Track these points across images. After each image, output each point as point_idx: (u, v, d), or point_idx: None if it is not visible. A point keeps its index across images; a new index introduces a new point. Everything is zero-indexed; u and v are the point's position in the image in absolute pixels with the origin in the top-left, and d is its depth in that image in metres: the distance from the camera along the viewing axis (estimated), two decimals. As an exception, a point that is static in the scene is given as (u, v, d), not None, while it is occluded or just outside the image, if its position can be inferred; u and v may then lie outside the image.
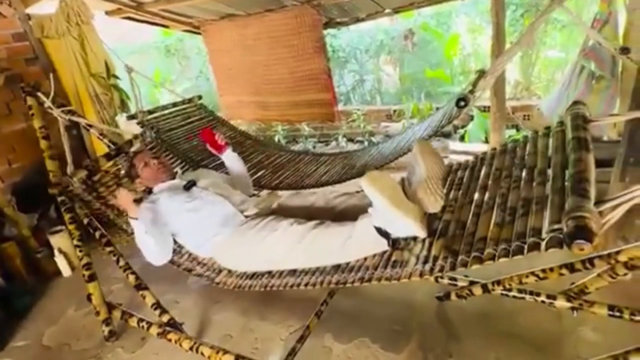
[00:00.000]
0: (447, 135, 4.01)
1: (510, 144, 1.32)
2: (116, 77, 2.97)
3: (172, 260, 1.68)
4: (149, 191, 1.85)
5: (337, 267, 1.28)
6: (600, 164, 0.96)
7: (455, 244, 1.03)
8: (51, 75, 2.13)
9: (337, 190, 1.66)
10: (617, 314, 1.42)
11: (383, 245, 1.20)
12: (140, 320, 1.87)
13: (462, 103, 1.43)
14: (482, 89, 1.58)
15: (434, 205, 1.18)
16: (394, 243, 1.21)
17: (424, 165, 1.26)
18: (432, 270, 1.02)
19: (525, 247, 0.86)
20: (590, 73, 2.72)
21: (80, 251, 1.98)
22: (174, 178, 1.83)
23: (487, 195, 1.15)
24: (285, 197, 1.74)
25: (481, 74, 1.71)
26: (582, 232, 0.72)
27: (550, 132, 1.23)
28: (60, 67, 3.11)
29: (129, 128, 3.06)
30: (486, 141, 3.61)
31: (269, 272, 1.46)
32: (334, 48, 4.57)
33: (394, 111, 4.31)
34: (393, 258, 1.17)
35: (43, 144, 2.12)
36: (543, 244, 0.83)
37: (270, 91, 3.80)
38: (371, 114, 4.47)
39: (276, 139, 4.75)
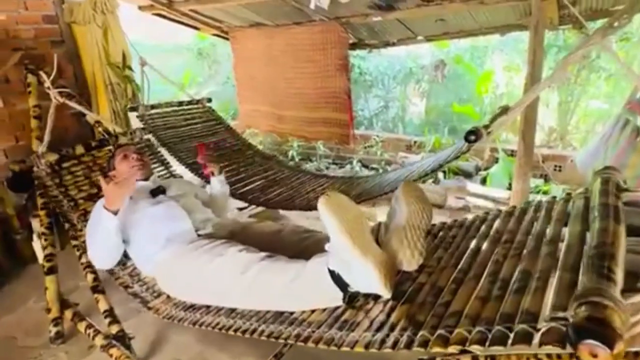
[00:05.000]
0: (468, 176, 3.74)
1: (521, 207, 1.10)
2: (130, 68, 2.93)
3: (112, 271, 1.53)
4: None
5: (278, 315, 1.06)
6: (637, 231, 0.73)
7: (422, 314, 0.80)
8: (55, 56, 2.09)
9: (309, 226, 1.46)
10: None
11: (337, 298, 0.97)
12: (89, 326, 1.70)
13: (472, 137, 1.21)
14: (500, 126, 1.36)
15: (409, 261, 0.95)
16: (351, 299, 0.97)
17: (406, 210, 1.04)
18: (382, 342, 0.79)
19: (511, 335, 0.62)
20: (634, 128, 2.43)
21: (45, 240, 1.86)
22: (147, 179, 1.68)
23: (477, 259, 0.91)
24: (251, 222, 1.57)
25: (504, 109, 1.49)
26: (598, 327, 0.49)
27: (570, 198, 1.00)
28: (83, 53, 3.12)
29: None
30: (509, 188, 3.32)
31: (207, 307, 1.27)
32: (361, 70, 4.45)
33: (415, 142, 4.10)
34: (344, 317, 0.94)
35: (33, 123, 2.07)
36: (537, 335, 0.60)
37: (288, 104, 3.70)
38: (391, 142, 4.28)
39: (290, 154, 4.63)
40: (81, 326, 1.72)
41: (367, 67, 4.57)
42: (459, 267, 0.93)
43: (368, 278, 0.90)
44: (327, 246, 0.99)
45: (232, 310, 1.19)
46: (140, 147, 2.11)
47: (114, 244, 1.43)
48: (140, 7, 3.54)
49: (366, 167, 4.29)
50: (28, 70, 2.09)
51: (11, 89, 2.86)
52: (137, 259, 1.50)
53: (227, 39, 3.95)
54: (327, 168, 4.47)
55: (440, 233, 1.20)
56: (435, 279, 0.92)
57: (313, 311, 1.03)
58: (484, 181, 3.54)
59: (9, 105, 2.81)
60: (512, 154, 3.46)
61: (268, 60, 3.67)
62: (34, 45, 3.04)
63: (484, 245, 0.98)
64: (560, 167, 3.48)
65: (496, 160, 3.60)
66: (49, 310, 1.82)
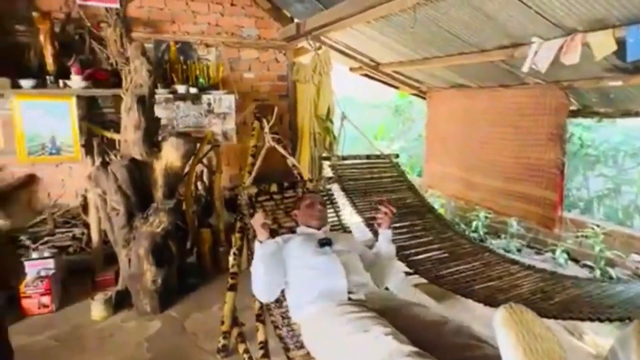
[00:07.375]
0: None
1: None
2: (331, 121, 3.26)
3: (269, 307, 1.57)
4: (292, 231, 1.85)
5: None
6: None
7: None
8: (275, 108, 2.52)
9: (482, 331, 1.15)
10: None
11: None
12: (246, 351, 1.83)
13: None
14: None
15: None
16: None
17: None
18: None
19: None
20: None
21: (234, 259, 2.14)
22: (319, 229, 1.75)
23: None
24: (408, 303, 1.37)
25: None
26: None
27: None
28: (299, 106, 3.72)
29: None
30: None
31: None
32: (583, 142, 3.62)
33: (659, 244, 2.98)
34: None
35: (249, 159, 2.50)
36: None
37: (481, 171, 3.34)
38: (618, 237, 3.25)
39: (474, 224, 4.12)
40: (240, 348, 1.87)
41: (592, 138, 3.71)
42: None
43: None
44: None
45: None
46: (324, 195, 2.23)
47: (263, 271, 1.49)
48: (350, 69, 3.99)
49: (576, 261, 3.37)
50: (256, 118, 2.57)
51: (246, 130, 3.62)
52: (290, 302, 1.55)
53: (424, 98, 3.98)
54: (519, 251, 3.73)
55: None
56: None
57: None
58: None
59: (241, 142, 3.55)
60: None
61: (464, 122, 3.46)
62: (267, 97, 3.84)
63: None
64: None
65: None
66: (222, 323, 2.06)
